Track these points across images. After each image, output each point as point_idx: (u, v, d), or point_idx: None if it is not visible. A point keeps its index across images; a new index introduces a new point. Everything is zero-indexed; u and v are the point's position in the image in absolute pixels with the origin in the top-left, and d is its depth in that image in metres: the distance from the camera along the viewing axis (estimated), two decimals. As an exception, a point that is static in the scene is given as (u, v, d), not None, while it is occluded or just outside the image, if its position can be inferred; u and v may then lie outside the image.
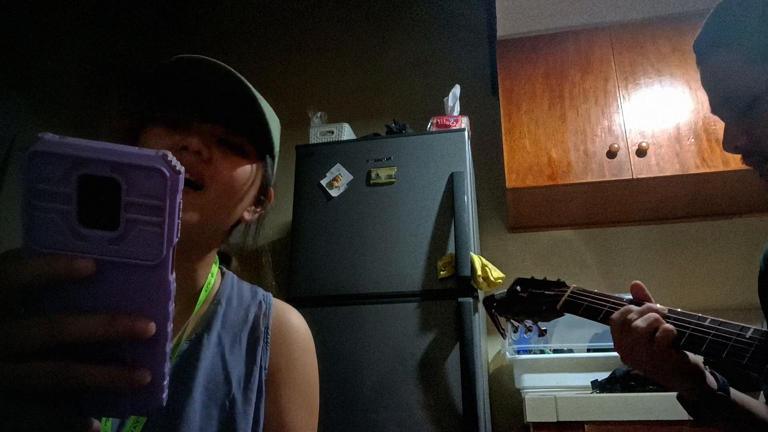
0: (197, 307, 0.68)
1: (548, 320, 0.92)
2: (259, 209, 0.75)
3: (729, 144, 0.72)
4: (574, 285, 0.90)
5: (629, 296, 0.80)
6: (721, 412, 0.75)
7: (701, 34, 0.75)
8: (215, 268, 0.74)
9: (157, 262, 0.32)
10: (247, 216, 0.72)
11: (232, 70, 0.63)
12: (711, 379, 0.75)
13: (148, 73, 0.65)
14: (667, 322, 0.73)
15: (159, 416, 0.59)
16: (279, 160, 0.76)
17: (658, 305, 0.76)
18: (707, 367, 0.76)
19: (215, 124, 0.64)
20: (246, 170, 0.66)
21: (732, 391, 0.76)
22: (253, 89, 0.65)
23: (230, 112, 0.65)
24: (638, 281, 0.79)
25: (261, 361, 0.70)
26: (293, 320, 0.78)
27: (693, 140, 1.90)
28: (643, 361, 0.72)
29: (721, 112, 0.74)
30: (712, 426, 0.76)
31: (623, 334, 0.74)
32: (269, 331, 0.73)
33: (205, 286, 0.70)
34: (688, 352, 0.73)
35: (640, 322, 0.72)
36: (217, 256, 0.75)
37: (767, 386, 0.81)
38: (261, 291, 0.78)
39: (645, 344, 0.71)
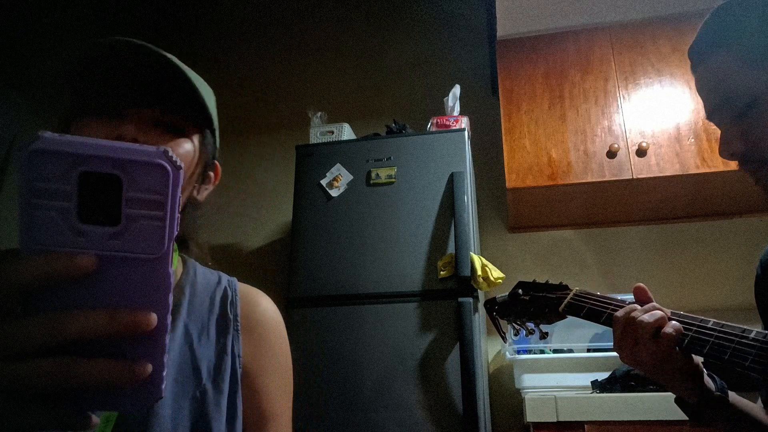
0: None
1: (550, 323, 0.92)
2: (208, 187, 0.72)
3: (725, 149, 0.72)
4: (577, 288, 0.90)
5: (630, 297, 0.80)
6: (721, 412, 0.75)
7: (698, 37, 0.75)
8: (175, 256, 0.72)
9: (158, 256, 0.32)
10: (197, 195, 0.70)
11: (154, 47, 0.60)
12: (709, 381, 0.76)
13: (72, 62, 0.62)
14: None
15: (129, 413, 0.57)
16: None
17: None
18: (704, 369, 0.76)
19: (147, 107, 0.62)
20: (185, 148, 0.64)
21: (730, 393, 0.77)
22: (179, 63, 0.62)
23: (160, 92, 0.62)
24: (641, 284, 0.79)
25: (233, 349, 0.68)
26: (263, 305, 0.76)
27: (693, 140, 1.90)
28: (644, 360, 0.72)
29: (718, 116, 0.73)
30: (711, 427, 0.76)
31: (626, 333, 0.73)
32: (239, 319, 0.71)
33: None
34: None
35: (646, 317, 0.72)
36: (175, 244, 0.74)
37: (765, 389, 0.82)
38: (225, 276, 0.76)
39: (648, 341, 0.71)
